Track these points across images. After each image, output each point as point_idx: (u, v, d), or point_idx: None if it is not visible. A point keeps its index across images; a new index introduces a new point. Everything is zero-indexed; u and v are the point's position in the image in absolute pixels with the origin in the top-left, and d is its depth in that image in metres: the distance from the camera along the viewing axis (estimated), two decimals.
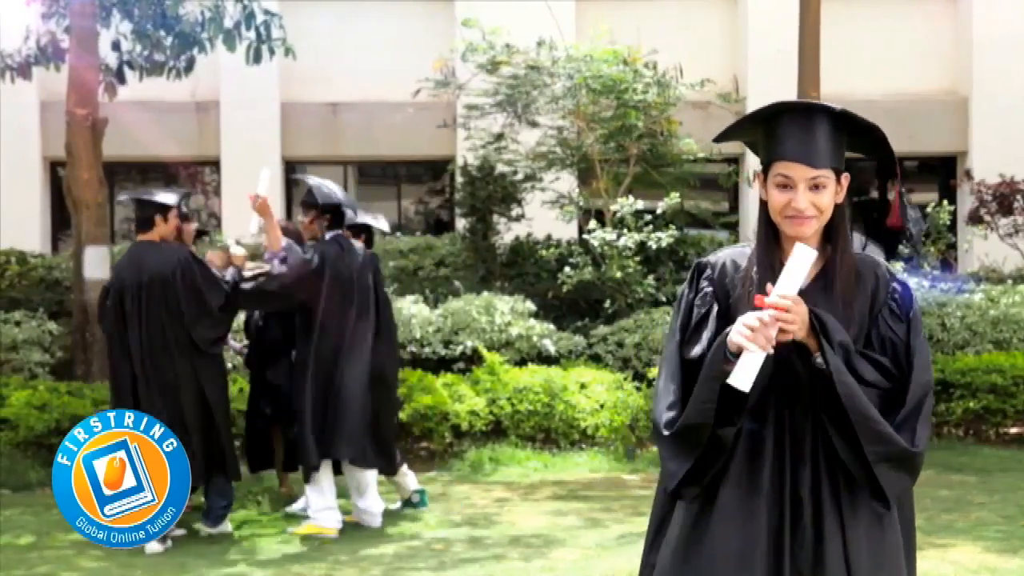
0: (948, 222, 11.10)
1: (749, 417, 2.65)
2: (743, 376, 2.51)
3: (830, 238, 2.70)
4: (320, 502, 6.77)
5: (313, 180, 7.15)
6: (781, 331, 2.51)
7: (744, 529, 2.62)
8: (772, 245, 2.71)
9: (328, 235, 6.93)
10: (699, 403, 2.61)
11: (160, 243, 6.66)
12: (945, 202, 11.26)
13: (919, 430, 2.61)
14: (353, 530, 6.93)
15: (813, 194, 2.62)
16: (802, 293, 2.64)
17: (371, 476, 6.98)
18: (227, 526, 6.83)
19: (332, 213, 6.96)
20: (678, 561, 2.69)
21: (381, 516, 7.02)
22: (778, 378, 2.63)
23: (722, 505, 2.64)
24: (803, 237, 2.64)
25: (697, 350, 2.69)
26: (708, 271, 2.79)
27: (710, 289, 2.75)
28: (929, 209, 11.28)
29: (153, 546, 6.27)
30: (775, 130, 2.65)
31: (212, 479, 6.69)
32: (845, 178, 2.69)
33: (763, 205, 2.72)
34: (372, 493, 6.99)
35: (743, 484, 2.64)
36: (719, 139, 2.85)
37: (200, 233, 8.31)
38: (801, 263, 2.55)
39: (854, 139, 2.73)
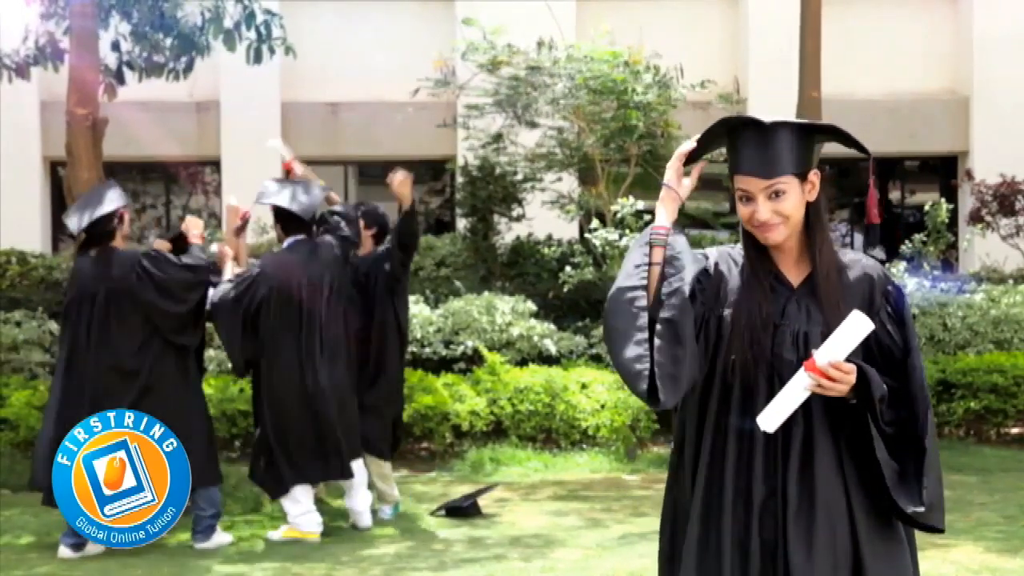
0: (946, 220, 11.06)
1: (739, 415, 2.65)
2: (772, 418, 2.55)
3: (811, 238, 2.70)
4: (296, 509, 6.64)
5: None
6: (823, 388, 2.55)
7: (743, 540, 2.63)
8: (755, 250, 2.72)
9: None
10: (631, 266, 2.65)
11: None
12: (943, 200, 11.22)
13: (928, 484, 2.66)
14: (353, 530, 6.93)
15: (774, 202, 2.63)
16: (792, 294, 2.68)
17: (358, 476, 6.91)
18: (224, 537, 6.62)
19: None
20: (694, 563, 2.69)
21: (370, 514, 6.98)
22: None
23: (725, 512, 2.64)
24: (773, 244, 2.67)
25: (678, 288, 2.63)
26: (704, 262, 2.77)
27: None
28: (927, 207, 11.26)
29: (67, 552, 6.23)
30: (733, 144, 2.68)
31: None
32: (815, 175, 2.68)
33: None
34: (358, 492, 6.91)
35: (739, 491, 2.64)
36: (691, 161, 2.77)
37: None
38: (852, 332, 2.54)
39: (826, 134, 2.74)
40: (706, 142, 2.74)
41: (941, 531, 2.73)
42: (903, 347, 2.69)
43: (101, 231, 6.48)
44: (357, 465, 6.85)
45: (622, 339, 2.60)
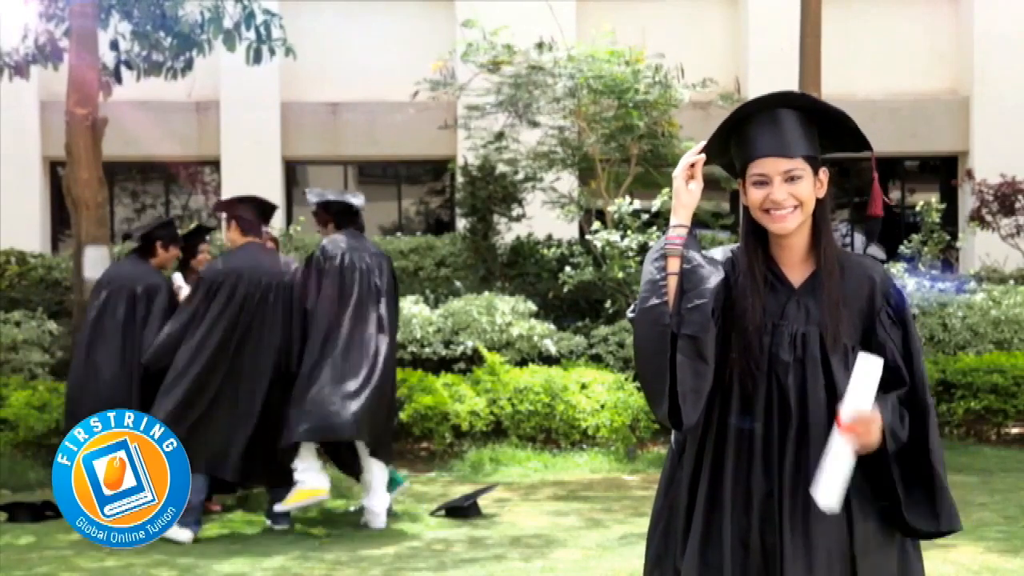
0: (938, 220, 11.02)
1: (739, 415, 2.66)
2: (827, 492, 2.52)
3: (816, 237, 2.70)
4: (302, 464, 6.75)
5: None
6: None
7: (744, 539, 2.65)
8: (755, 251, 2.72)
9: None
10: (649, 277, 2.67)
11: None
12: (933, 200, 11.19)
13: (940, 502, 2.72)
14: (353, 530, 6.93)
15: (790, 185, 2.63)
16: (792, 294, 2.68)
17: (377, 475, 6.94)
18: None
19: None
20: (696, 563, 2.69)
21: (385, 516, 6.98)
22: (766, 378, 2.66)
23: (726, 513, 2.66)
24: (786, 232, 2.65)
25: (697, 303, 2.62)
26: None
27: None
28: (919, 207, 11.24)
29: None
30: (744, 134, 2.67)
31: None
32: (824, 173, 2.69)
33: (747, 211, 2.73)
34: (378, 492, 6.94)
35: (739, 492, 2.65)
36: (708, 161, 2.76)
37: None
38: (867, 376, 2.52)
39: (828, 134, 2.73)
40: (713, 145, 2.73)
41: (958, 529, 2.76)
42: (904, 351, 2.68)
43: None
44: (379, 465, 6.93)
45: (648, 362, 2.63)
